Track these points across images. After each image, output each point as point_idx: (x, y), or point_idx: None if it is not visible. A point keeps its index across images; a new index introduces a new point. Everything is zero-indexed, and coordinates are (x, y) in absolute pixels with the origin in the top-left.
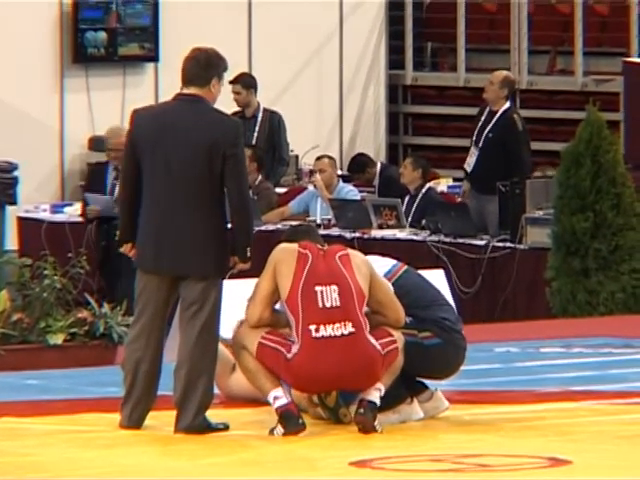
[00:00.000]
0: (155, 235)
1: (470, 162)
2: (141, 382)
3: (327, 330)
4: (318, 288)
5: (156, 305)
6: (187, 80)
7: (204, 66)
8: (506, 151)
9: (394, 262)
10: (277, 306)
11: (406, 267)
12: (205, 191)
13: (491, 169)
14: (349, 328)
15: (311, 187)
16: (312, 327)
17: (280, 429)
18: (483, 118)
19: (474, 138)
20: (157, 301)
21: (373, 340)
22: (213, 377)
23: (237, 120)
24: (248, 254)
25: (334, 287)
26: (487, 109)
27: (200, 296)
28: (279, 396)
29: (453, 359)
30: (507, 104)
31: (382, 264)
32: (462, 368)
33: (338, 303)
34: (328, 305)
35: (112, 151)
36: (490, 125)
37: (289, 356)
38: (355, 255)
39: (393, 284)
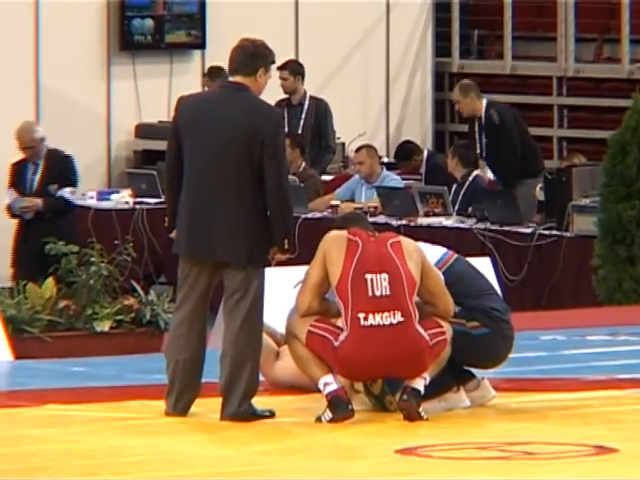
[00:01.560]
0: (191, 219)
1: (486, 173)
2: (184, 370)
3: (376, 319)
4: (368, 276)
5: (198, 293)
6: (234, 69)
7: (251, 56)
8: (502, 147)
9: (445, 250)
10: (327, 295)
11: (456, 256)
12: (244, 179)
13: (504, 171)
14: (398, 317)
15: (357, 175)
16: (361, 315)
17: (328, 414)
18: (477, 131)
19: (477, 152)
20: (199, 289)
21: (422, 330)
22: (258, 364)
23: (278, 110)
24: (286, 245)
25: (384, 275)
26: (473, 122)
27: (242, 284)
28: (329, 382)
29: (501, 349)
30: (484, 104)
31: (433, 252)
32: (509, 356)
33: (388, 292)
34: (378, 294)
35: (27, 149)
36: (483, 133)
37: (337, 344)
38: (407, 242)
39: (444, 272)
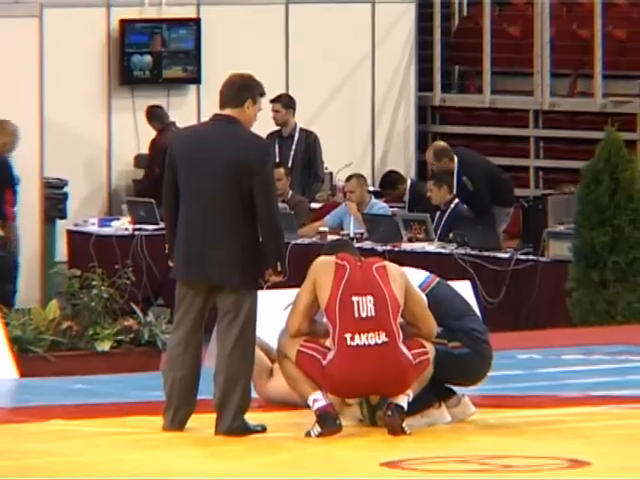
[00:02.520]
0: (187, 246)
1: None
2: (180, 387)
3: (362, 339)
4: (355, 298)
5: (194, 315)
6: (223, 102)
7: (238, 88)
8: (476, 208)
9: (427, 274)
10: (317, 316)
11: (438, 279)
12: (235, 207)
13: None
14: (382, 338)
15: (345, 203)
16: (347, 336)
17: (317, 429)
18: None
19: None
20: (194, 311)
21: (405, 350)
22: (250, 382)
23: (265, 140)
24: (279, 268)
25: (370, 297)
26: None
27: (234, 306)
28: (318, 399)
29: (480, 368)
30: (455, 168)
31: (416, 276)
32: (488, 374)
33: (373, 313)
34: (364, 315)
35: None
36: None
37: (325, 363)
38: (392, 266)
39: (427, 295)
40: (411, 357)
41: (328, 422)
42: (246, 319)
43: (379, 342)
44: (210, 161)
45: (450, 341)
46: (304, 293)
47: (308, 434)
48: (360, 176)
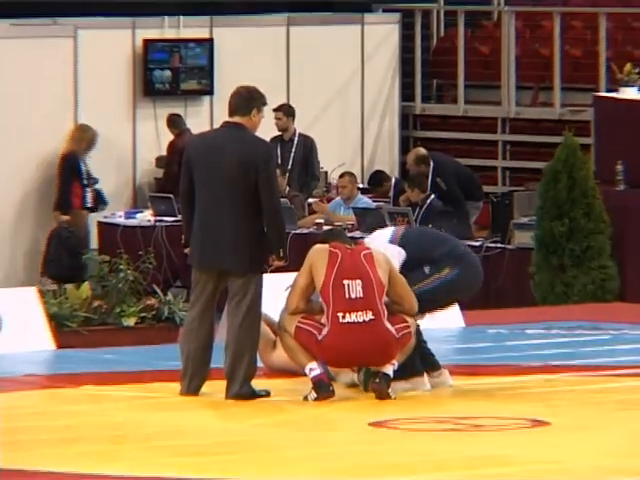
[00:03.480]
0: (201, 237)
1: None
2: (195, 358)
3: (352, 317)
4: (346, 282)
5: (207, 296)
6: (232, 111)
7: (245, 99)
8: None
9: (393, 228)
10: (313, 296)
11: (404, 227)
12: (243, 201)
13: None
14: (369, 316)
15: (337, 198)
16: (340, 314)
17: (313, 395)
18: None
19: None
20: (208, 292)
21: (389, 326)
22: (255, 353)
23: (269, 144)
24: (282, 254)
25: (358, 281)
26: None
27: (241, 289)
28: (314, 368)
29: (477, 274)
30: (430, 171)
31: (383, 234)
32: (461, 346)
33: (361, 295)
34: (353, 296)
35: None
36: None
37: (320, 337)
38: (377, 253)
39: (402, 244)
40: (394, 332)
41: (322, 389)
42: (252, 299)
43: (367, 320)
44: (221, 162)
45: (440, 271)
46: (302, 276)
47: (305, 398)
48: (351, 174)
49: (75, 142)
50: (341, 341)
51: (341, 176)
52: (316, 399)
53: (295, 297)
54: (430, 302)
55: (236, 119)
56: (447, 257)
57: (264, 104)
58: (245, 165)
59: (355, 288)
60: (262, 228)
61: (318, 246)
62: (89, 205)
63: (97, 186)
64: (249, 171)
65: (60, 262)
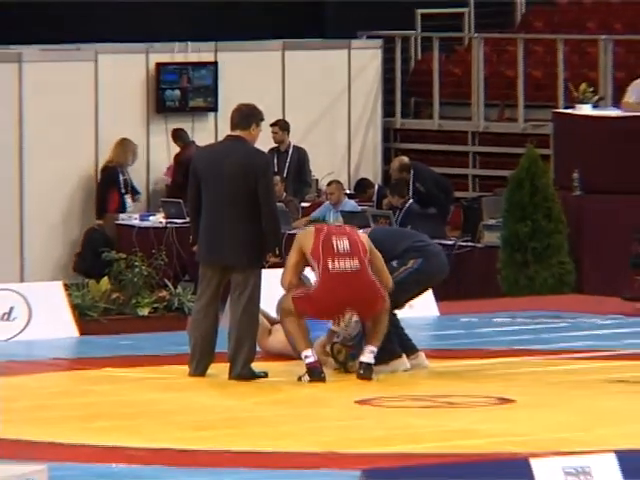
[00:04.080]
0: (207, 236)
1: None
2: (202, 344)
3: (340, 264)
4: (334, 238)
5: (212, 289)
6: (234, 125)
7: (245, 115)
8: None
9: (361, 230)
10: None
11: (370, 228)
12: (244, 205)
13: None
14: (356, 264)
15: (327, 202)
16: (329, 262)
17: (307, 377)
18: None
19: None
20: (212, 286)
21: (373, 277)
22: (255, 340)
23: (267, 154)
24: (277, 251)
25: (345, 238)
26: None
27: (242, 282)
28: (309, 355)
29: (440, 262)
30: (411, 177)
31: None
32: (436, 333)
33: (348, 248)
34: (341, 249)
35: None
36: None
37: (311, 292)
38: (359, 232)
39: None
40: (377, 282)
41: (315, 374)
42: (252, 292)
43: (353, 268)
44: (225, 171)
45: (406, 264)
46: (292, 254)
47: (299, 379)
48: (338, 182)
49: (116, 154)
50: (330, 287)
51: (329, 184)
52: (309, 382)
53: (288, 274)
54: (403, 292)
55: (237, 133)
56: (411, 250)
57: (262, 119)
58: (246, 174)
59: (343, 243)
60: (260, 229)
61: (304, 229)
62: (129, 210)
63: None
64: (249, 179)
65: (85, 260)
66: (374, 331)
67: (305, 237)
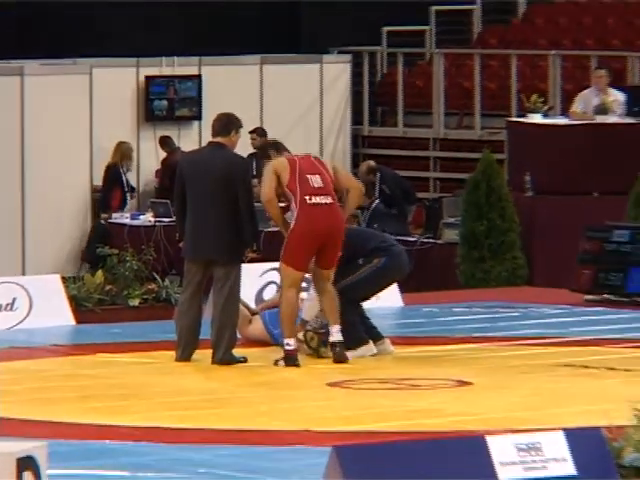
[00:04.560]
0: (191, 234)
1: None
2: (187, 332)
3: (317, 199)
4: (308, 176)
5: (196, 282)
6: (215, 133)
7: (225, 123)
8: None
9: None
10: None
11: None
12: (225, 205)
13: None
14: (329, 199)
15: None
16: (307, 197)
17: (282, 362)
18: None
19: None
20: (197, 279)
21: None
22: (235, 328)
23: (246, 159)
24: (255, 247)
25: (318, 176)
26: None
27: (224, 276)
28: (290, 344)
29: (402, 262)
30: (377, 180)
31: None
32: (401, 321)
33: (322, 184)
34: (316, 185)
35: None
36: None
37: (294, 227)
38: (325, 164)
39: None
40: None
41: (290, 361)
42: (233, 284)
43: (327, 202)
44: (207, 174)
45: (371, 262)
46: (268, 174)
47: (275, 363)
48: None
49: (115, 156)
50: (311, 218)
51: None
52: (284, 367)
53: (266, 187)
54: (369, 286)
55: (218, 139)
56: (377, 250)
57: (240, 126)
58: (226, 177)
59: (316, 180)
60: (240, 227)
61: (276, 159)
62: (128, 207)
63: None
64: (230, 182)
65: (91, 250)
66: (331, 308)
67: (280, 165)
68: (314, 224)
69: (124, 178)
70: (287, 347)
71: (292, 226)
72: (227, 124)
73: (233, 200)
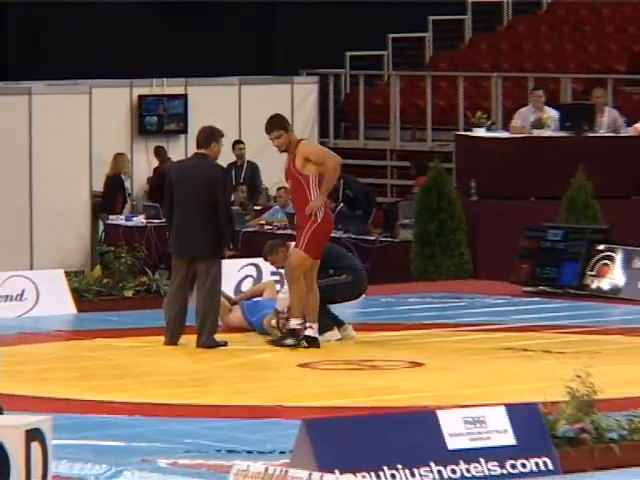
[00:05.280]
0: (177, 233)
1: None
2: (174, 320)
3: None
4: None
5: (181, 275)
6: (198, 144)
7: (206, 135)
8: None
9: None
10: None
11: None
12: (205, 208)
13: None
14: None
15: (276, 205)
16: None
17: (290, 341)
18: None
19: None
20: (182, 273)
21: None
22: (217, 315)
23: (223, 168)
24: (232, 245)
25: None
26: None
27: (205, 270)
28: (300, 322)
29: (362, 286)
30: (341, 186)
31: None
32: (361, 310)
33: None
34: None
35: None
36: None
37: (319, 222)
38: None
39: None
40: None
41: (314, 343)
42: (213, 278)
43: None
44: (191, 181)
45: (340, 275)
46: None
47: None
48: (286, 188)
49: (115, 166)
50: (329, 219)
51: (279, 189)
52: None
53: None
54: (329, 291)
55: (202, 150)
56: (347, 267)
57: (221, 136)
58: (207, 184)
59: None
60: (219, 228)
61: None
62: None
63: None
64: (209, 188)
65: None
66: (313, 307)
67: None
68: (331, 225)
69: (125, 185)
70: (297, 326)
71: (319, 223)
72: (208, 136)
73: (213, 204)
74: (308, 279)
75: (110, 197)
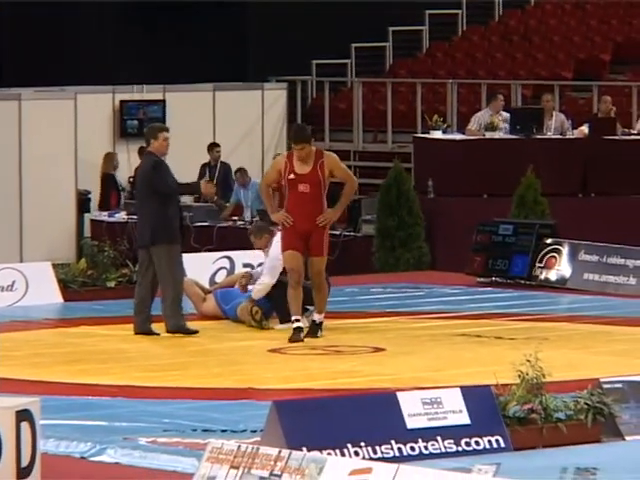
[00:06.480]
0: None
1: None
2: (138, 302)
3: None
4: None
5: (144, 265)
6: (146, 142)
7: (146, 134)
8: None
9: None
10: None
11: None
12: (144, 199)
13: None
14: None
15: (236, 185)
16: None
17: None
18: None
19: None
20: (144, 261)
21: None
22: (178, 296)
23: (153, 163)
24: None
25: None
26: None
27: (156, 258)
28: (299, 318)
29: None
30: None
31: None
32: (328, 299)
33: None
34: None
35: None
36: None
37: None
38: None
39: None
40: None
41: (296, 334)
42: (162, 264)
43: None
44: (137, 177)
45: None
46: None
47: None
48: (243, 169)
49: (106, 165)
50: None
51: (235, 172)
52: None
53: (265, 179)
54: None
55: (148, 147)
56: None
57: (160, 131)
58: (143, 177)
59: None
60: (163, 216)
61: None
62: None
63: (91, 195)
64: (145, 181)
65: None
66: (321, 300)
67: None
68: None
69: (118, 180)
70: (295, 324)
71: (327, 229)
72: (147, 134)
73: (152, 194)
74: (320, 276)
75: (106, 195)
